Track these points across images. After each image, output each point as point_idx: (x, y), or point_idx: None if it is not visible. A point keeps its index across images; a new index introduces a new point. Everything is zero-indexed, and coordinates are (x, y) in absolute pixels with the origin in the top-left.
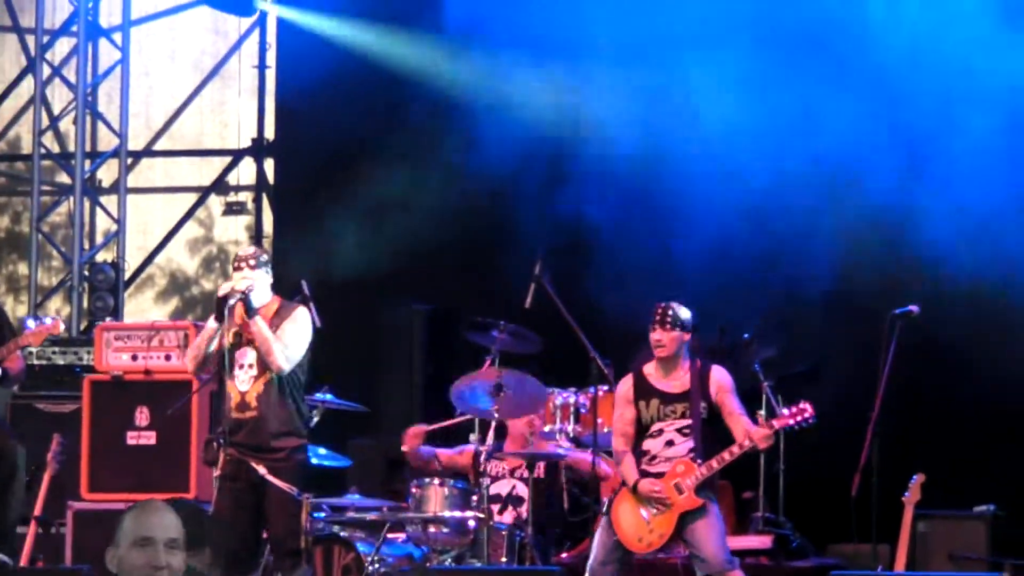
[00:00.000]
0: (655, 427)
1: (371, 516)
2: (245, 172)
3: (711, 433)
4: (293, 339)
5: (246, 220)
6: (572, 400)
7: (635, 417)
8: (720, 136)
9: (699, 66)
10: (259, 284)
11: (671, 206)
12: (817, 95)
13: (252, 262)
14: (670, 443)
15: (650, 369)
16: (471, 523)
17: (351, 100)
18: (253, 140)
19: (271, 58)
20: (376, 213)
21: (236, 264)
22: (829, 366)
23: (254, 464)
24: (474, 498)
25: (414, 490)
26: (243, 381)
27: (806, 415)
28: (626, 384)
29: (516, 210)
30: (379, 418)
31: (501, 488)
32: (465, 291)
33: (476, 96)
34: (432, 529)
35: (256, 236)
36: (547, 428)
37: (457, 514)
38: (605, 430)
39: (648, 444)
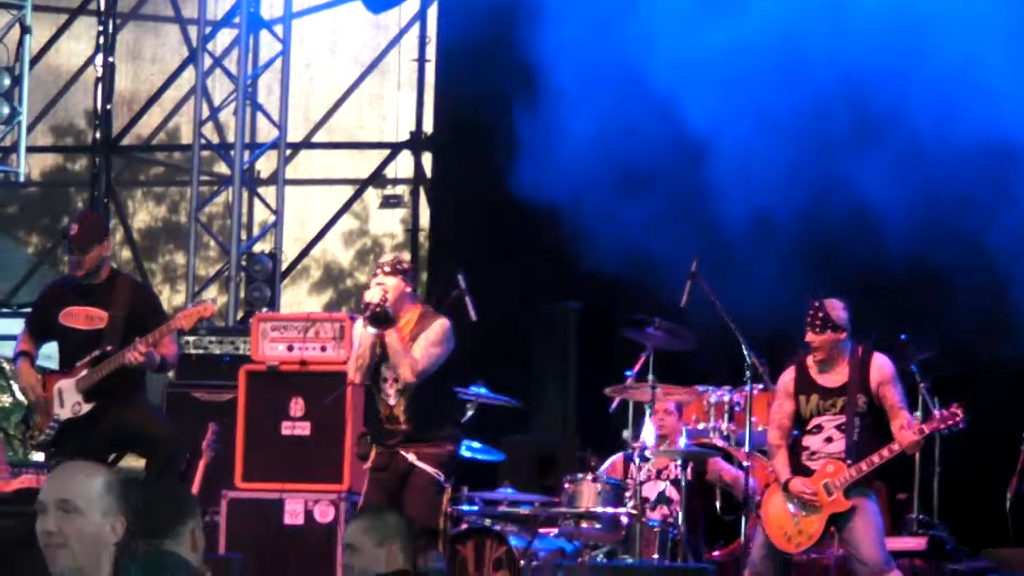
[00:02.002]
0: (814, 422)
1: (524, 510)
2: (402, 165)
3: (871, 427)
4: (424, 352)
5: (402, 213)
6: (726, 398)
7: (794, 411)
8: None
9: None
10: (395, 292)
11: (835, 203)
12: None
13: (387, 268)
14: (829, 439)
15: (811, 361)
16: (624, 519)
17: (509, 94)
18: (411, 133)
19: (431, 52)
20: (532, 208)
21: (374, 271)
22: (986, 368)
23: (403, 452)
24: (627, 494)
25: (567, 485)
26: (389, 395)
27: (957, 419)
28: (787, 376)
29: (668, 206)
30: (533, 413)
31: (649, 492)
32: (619, 288)
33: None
34: (584, 524)
35: (412, 229)
36: (700, 426)
37: (610, 510)
38: (760, 428)
39: (808, 440)
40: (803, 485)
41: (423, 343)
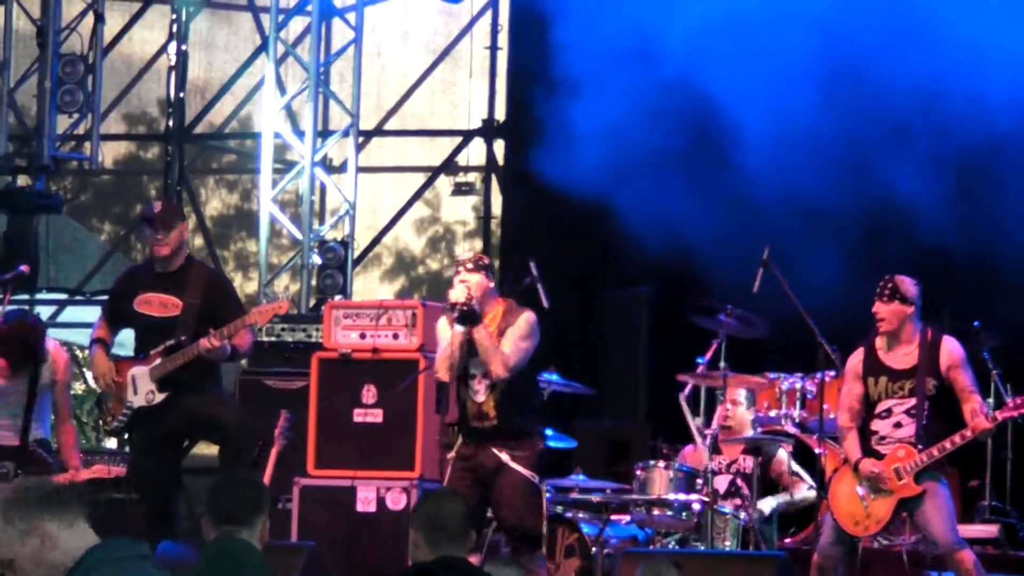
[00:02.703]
0: (882, 405)
1: (595, 498)
2: (475, 153)
3: (941, 411)
4: (514, 346)
5: (473, 201)
6: (798, 386)
7: (863, 393)
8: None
9: None
10: (479, 289)
11: (904, 191)
12: None
13: (469, 265)
14: (898, 424)
15: (880, 343)
16: (695, 506)
17: (582, 82)
18: (483, 121)
19: (503, 40)
20: (601, 195)
21: (455, 269)
22: None
23: (495, 450)
24: (699, 481)
25: (639, 472)
26: (478, 392)
27: None
28: (856, 358)
29: (747, 194)
30: (604, 400)
31: (719, 484)
32: (692, 274)
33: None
34: (656, 512)
35: (484, 217)
36: (773, 413)
37: (682, 497)
38: (831, 416)
39: (876, 424)
40: (873, 466)
41: (512, 337)
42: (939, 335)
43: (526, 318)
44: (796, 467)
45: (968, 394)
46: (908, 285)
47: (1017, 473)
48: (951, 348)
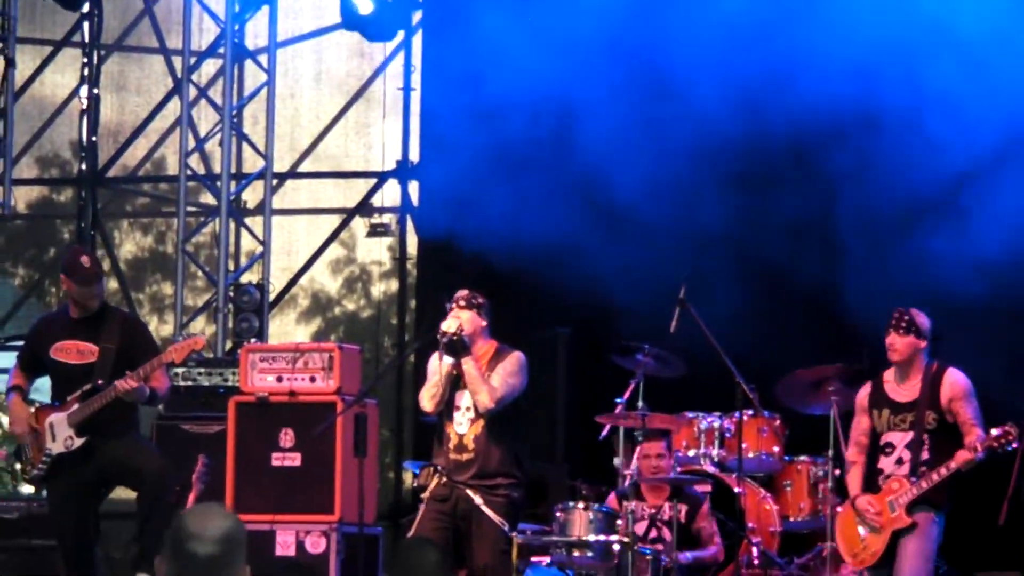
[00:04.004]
0: (885, 439)
1: (517, 539)
2: (389, 194)
3: (943, 444)
4: (503, 380)
5: (389, 241)
6: (717, 424)
7: (870, 427)
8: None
9: None
10: (470, 325)
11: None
12: None
13: (462, 302)
14: (900, 461)
15: (889, 376)
16: (616, 547)
17: (497, 122)
18: (398, 162)
19: (416, 80)
20: (519, 235)
21: (448, 305)
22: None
23: (470, 493)
24: (619, 522)
25: (558, 514)
26: (461, 423)
27: (1010, 438)
28: (863, 391)
29: (656, 232)
30: (521, 441)
31: (639, 529)
32: (608, 315)
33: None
34: (576, 553)
35: (400, 258)
36: (691, 452)
37: (602, 538)
38: (750, 455)
39: (883, 462)
40: (867, 504)
41: (501, 372)
42: (944, 368)
43: (516, 356)
44: (714, 526)
45: (969, 427)
46: (923, 319)
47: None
48: (954, 380)
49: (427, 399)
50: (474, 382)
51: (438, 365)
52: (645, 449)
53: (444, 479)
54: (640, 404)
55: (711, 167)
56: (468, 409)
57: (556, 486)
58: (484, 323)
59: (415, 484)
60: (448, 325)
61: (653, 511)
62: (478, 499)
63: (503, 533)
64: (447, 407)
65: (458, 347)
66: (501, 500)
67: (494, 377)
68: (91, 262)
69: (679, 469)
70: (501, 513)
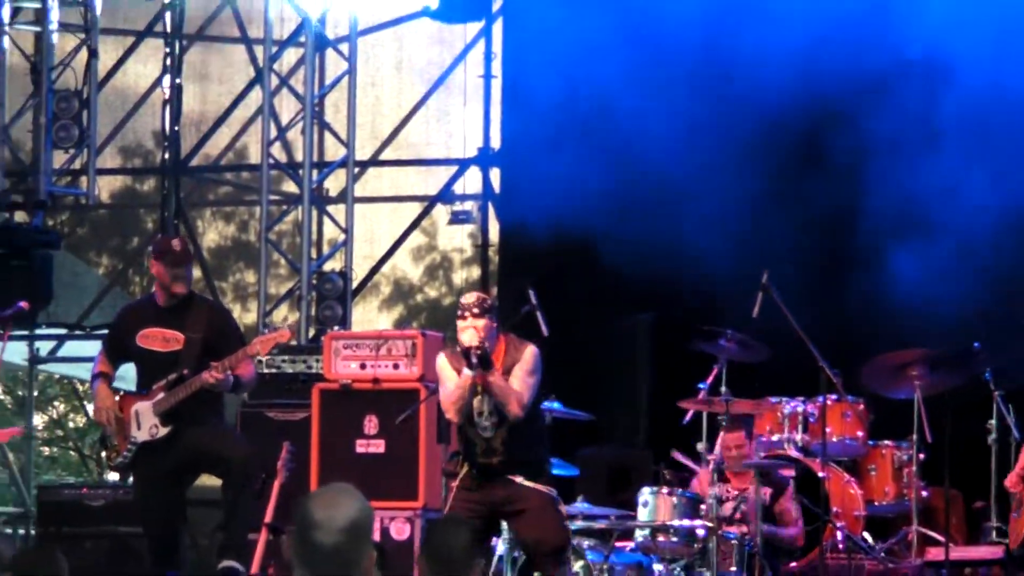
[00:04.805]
0: None
1: (600, 524)
2: (470, 181)
3: None
4: (523, 383)
5: (470, 228)
6: (800, 409)
7: None
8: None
9: None
10: (486, 331)
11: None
12: None
13: (476, 310)
14: None
15: None
16: (700, 532)
17: (577, 108)
18: (479, 149)
19: (496, 67)
20: (601, 220)
21: (460, 313)
22: None
23: (510, 477)
24: (703, 507)
25: (642, 499)
26: (485, 428)
27: None
28: None
29: (738, 217)
30: (606, 427)
31: (726, 511)
32: (691, 300)
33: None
34: (661, 538)
35: (482, 245)
36: (775, 437)
37: (686, 523)
38: (834, 439)
39: None
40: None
41: (520, 374)
42: None
43: (531, 352)
44: (798, 510)
45: None
46: None
47: None
48: None
49: (453, 410)
50: (501, 393)
51: (451, 371)
52: (726, 441)
53: (475, 479)
54: (723, 389)
55: (794, 152)
56: (491, 413)
57: (639, 471)
58: (495, 325)
59: (444, 470)
60: (469, 339)
61: (738, 493)
62: (518, 479)
63: (552, 498)
64: (469, 412)
65: (483, 361)
66: (539, 478)
67: (513, 380)
68: (182, 245)
69: (763, 454)
70: (543, 484)
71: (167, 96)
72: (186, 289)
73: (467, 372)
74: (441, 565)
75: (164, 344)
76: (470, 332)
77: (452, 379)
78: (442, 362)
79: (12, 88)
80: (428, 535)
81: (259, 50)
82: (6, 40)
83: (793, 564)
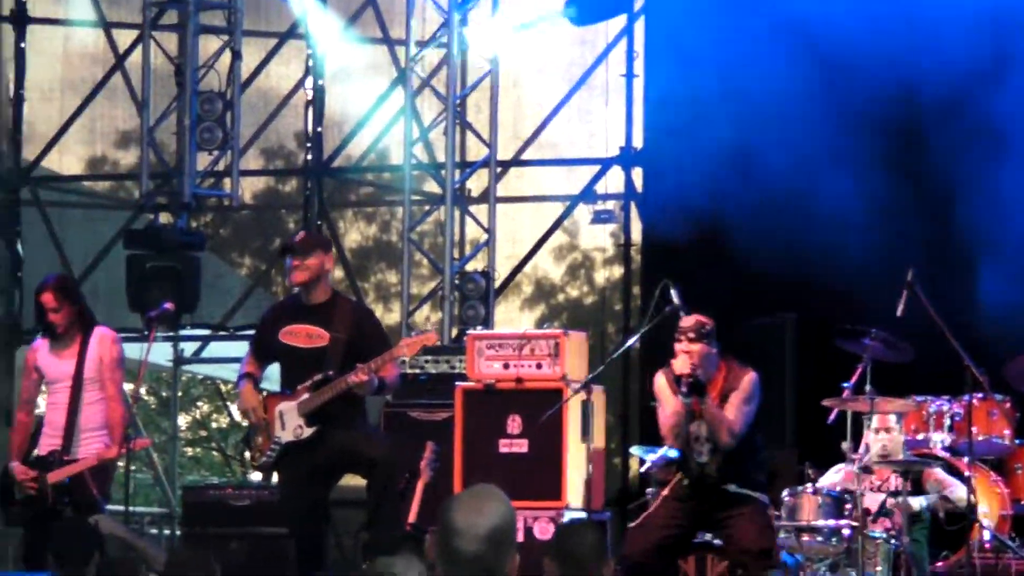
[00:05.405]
0: None
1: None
2: (613, 180)
3: None
4: (738, 411)
5: (612, 228)
6: (946, 408)
7: None
8: None
9: None
10: (703, 360)
11: None
12: None
13: (691, 335)
14: None
15: None
16: (845, 532)
17: (718, 107)
18: (621, 148)
19: (638, 67)
20: (743, 219)
21: (677, 336)
22: None
23: (723, 487)
24: (847, 506)
25: (787, 499)
26: (701, 453)
27: None
28: None
29: (881, 215)
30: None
31: (871, 503)
32: (833, 299)
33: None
34: (806, 537)
35: (624, 244)
36: (920, 436)
37: (831, 523)
38: (980, 438)
39: None
40: None
41: (735, 402)
42: None
43: (749, 379)
44: (948, 479)
45: None
46: None
47: None
48: None
49: (671, 436)
50: (714, 421)
51: (669, 393)
52: (882, 422)
53: (686, 489)
54: (868, 388)
55: (931, 146)
56: (707, 440)
57: (785, 471)
58: (714, 350)
59: (643, 471)
60: (681, 365)
61: (881, 483)
62: (732, 487)
63: (763, 504)
64: (684, 437)
65: (696, 389)
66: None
67: (728, 409)
68: (303, 236)
69: (910, 453)
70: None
71: (309, 97)
72: (304, 278)
73: (682, 399)
74: (567, 565)
75: (308, 340)
76: (683, 358)
77: (670, 402)
78: (661, 383)
79: (157, 91)
80: (555, 536)
81: (400, 51)
82: (151, 43)
83: (939, 564)
